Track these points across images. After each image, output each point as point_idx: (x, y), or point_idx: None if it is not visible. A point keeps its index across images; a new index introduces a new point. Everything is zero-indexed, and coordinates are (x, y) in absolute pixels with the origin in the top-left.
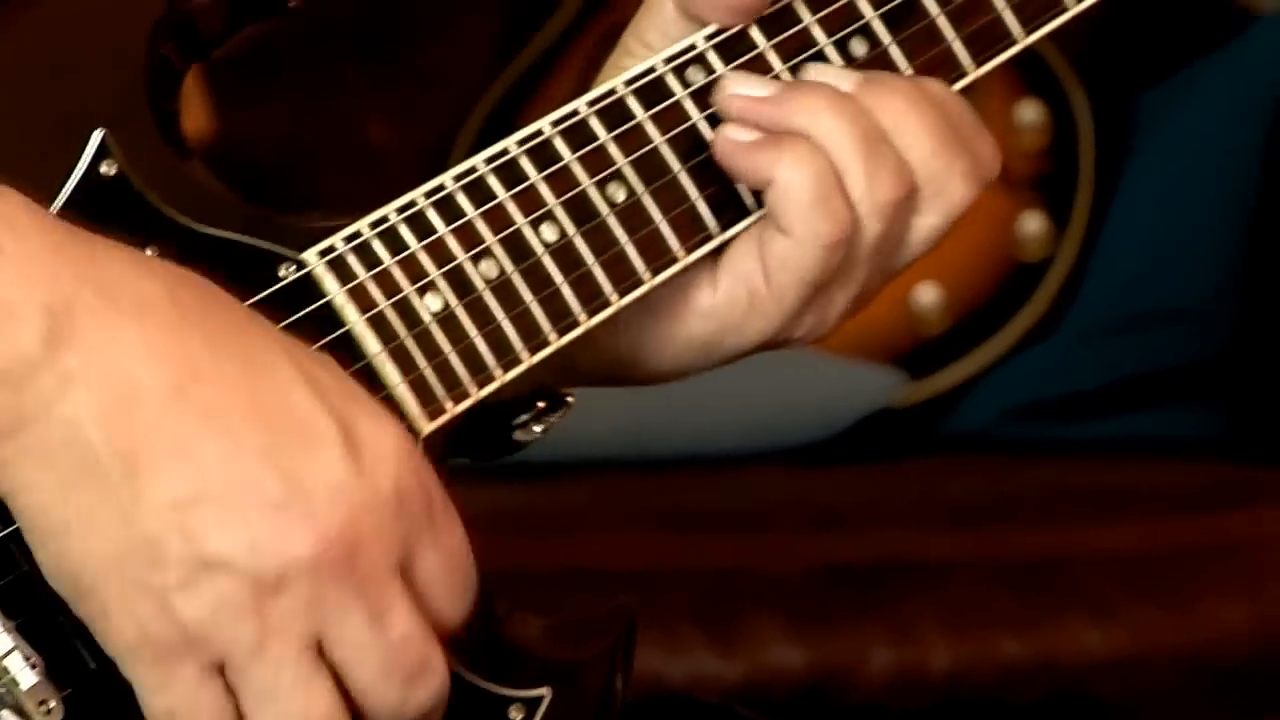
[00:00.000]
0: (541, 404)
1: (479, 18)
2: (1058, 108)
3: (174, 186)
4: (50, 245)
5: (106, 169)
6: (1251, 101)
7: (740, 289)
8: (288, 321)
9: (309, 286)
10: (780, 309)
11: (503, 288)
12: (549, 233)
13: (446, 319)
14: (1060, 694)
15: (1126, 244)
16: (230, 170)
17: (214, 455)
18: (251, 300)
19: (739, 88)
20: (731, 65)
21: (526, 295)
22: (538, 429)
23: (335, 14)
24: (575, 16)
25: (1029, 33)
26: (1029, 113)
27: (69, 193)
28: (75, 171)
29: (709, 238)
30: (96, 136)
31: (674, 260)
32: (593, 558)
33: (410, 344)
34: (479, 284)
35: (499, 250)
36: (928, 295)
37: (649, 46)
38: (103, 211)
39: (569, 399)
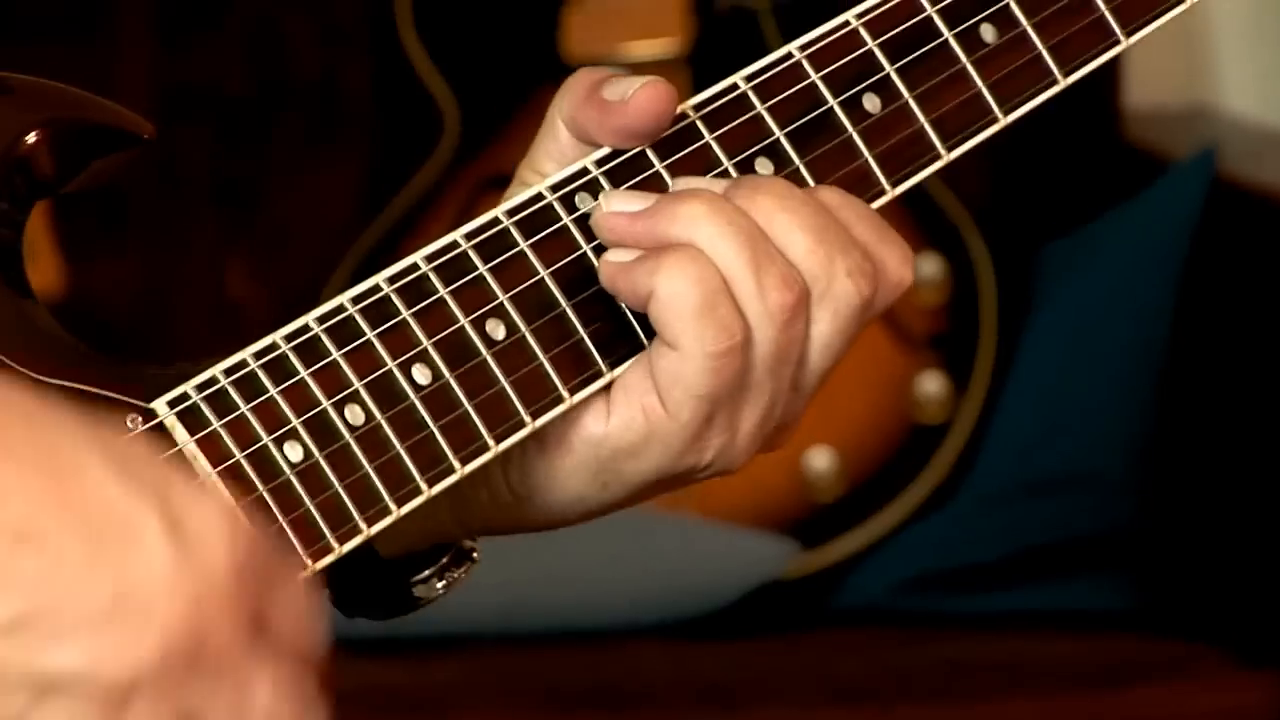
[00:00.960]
0: (444, 559)
1: (342, 168)
2: (957, 261)
3: (12, 332)
4: None
5: None
6: (1161, 255)
7: (635, 411)
8: None
9: (161, 440)
10: (679, 430)
11: (370, 435)
12: (421, 375)
13: (308, 470)
14: None
15: (1030, 406)
16: (83, 325)
17: (34, 574)
18: None
19: (614, 205)
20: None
21: (396, 443)
22: (440, 585)
23: (191, 163)
24: (447, 167)
25: (951, 149)
26: (927, 266)
27: None
28: None
29: (597, 375)
30: None
31: (559, 401)
32: None
33: (268, 498)
34: (344, 432)
35: (366, 395)
36: (821, 460)
37: (544, 176)
38: None
39: (474, 553)
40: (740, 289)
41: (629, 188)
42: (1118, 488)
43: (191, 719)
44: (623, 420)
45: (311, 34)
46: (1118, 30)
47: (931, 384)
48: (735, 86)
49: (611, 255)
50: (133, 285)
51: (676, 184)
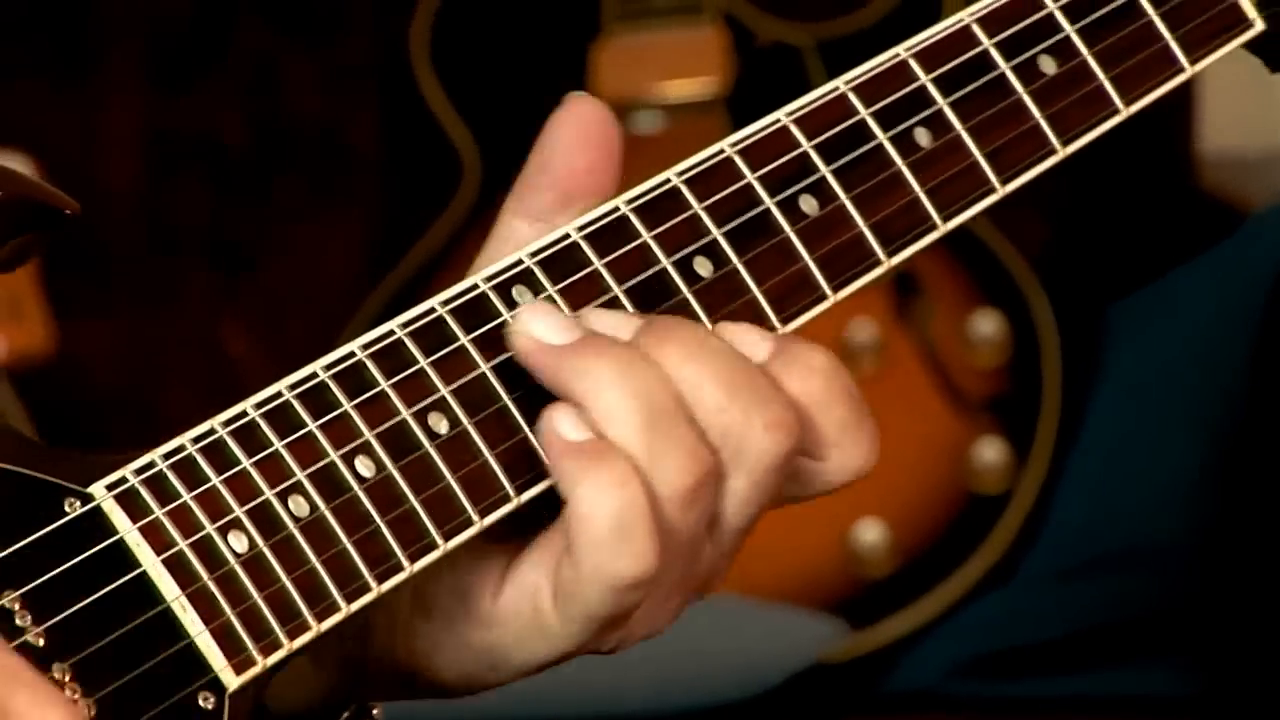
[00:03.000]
0: (346, 714)
1: (348, 221)
2: (1018, 319)
3: None
4: None
5: None
6: (1238, 312)
7: (524, 604)
8: (73, 563)
9: (99, 524)
10: (569, 637)
11: (316, 528)
12: (364, 468)
13: (252, 560)
14: None
15: (1096, 476)
16: (71, 386)
17: None
18: (30, 539)
19: (530, 328)
20: (559, 285)
21: (342, 536)
22: None
23: (184, 216)
24: (467, 216)
25: (892, 254)
26: (986, 324)
27: None
28: None
29: (542, 476)
30: None
31: (505, 500)
32: None
33: (213, 588)
34: (289, 524)
35: (309, 486)
36: (870, 533)
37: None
38: None
39: (375, 710)
40: (639, 466)
41: (566, 286)
42: (1186, 565)
43: None
44: (511, 608)
45: (315, 77)
46: (1054, 139)
47: (990, 451)
48: (668, 181)
49: (556, 419)
50: (122, 346)
51: (589, 320)
